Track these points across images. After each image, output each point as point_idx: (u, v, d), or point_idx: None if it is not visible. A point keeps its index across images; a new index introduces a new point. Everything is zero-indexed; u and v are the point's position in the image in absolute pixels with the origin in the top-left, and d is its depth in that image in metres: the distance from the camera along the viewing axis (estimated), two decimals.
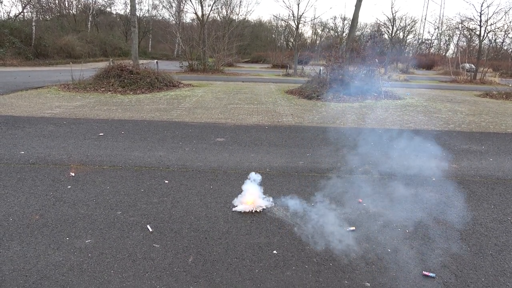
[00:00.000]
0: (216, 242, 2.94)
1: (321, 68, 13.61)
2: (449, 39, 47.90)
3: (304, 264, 2.67)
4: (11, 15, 30.93)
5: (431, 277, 2.55)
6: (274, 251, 2.83)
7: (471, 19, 28.56)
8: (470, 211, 3.68)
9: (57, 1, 40.28)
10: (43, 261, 2.61)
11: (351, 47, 14.49)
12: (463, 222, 3.41)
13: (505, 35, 35.99)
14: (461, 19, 34.54)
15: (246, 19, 40.25)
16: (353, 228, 3.21)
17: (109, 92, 11.59)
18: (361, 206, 3.68)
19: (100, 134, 6.33)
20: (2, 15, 30.77)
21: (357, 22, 14.68)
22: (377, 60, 13.50)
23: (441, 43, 50.58)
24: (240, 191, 3.82)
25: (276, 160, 5.15)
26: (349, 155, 5.51)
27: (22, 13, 31.34)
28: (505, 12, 34.12)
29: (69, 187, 3.96)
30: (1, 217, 3.23)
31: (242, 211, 3.47)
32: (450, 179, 4.61)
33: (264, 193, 3.84)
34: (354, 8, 15.14)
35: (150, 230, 3.10)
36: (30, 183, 4.02)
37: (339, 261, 2.72)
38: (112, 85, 12.16)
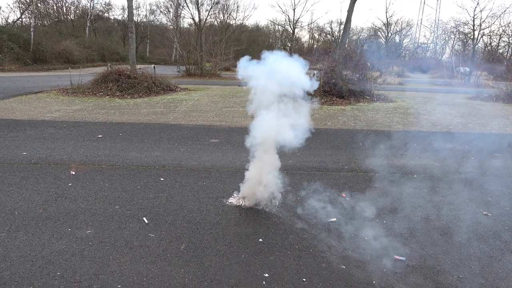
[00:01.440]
0: (207, 232, 3.19)
1: (315, 72, 13.91)
2: (444, 43, 48.39)
3: (286, 250, 2.93)
4: (10, 20, 31.28)
5: (401, 260, 2.81)
6: (260, 239, 3.08)
7: (465, 24, 29.04)
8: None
9: (55, 7, 40.64)
10: (47, 249, 2.85)
11: (344, 52, 14.80)
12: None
13: (500, 39, 36.56)
14: (455, 23, 35.05)
15: (244, 24, 40.67)
16: (334, 219, 3.46)
17: (107, 96, 11.85)
18: (343, 200, 3.95)
19: (99, 136, 6.57)
20: (1, 21, 31.12)
21: (350, 26, 14.99)
22: (369, 64, 13.81)
23: (437, 47, 51.10)
24: (234, 189, 4.07)
25: None
26: (336, 155, 5.78)
27: (20, 19, 31.67)
28: (498, 17, 34.65)
29: (70, 184, 4.20)
30: (8, 211, 3.47)
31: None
32: (432, 176, 4.89)
33: None
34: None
35: (146, 222, 3.34)
36: (33, 181, 4.26)
37: (319, 248, 2.97)
38: (110, 89, 12.42)
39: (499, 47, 38.38)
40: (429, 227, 3.39)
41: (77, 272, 2.56)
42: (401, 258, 2.83)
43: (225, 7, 32.88)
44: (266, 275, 2.60)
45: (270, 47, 47.64)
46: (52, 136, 6.45)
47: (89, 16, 41.01)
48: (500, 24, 47.31)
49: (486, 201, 4.07)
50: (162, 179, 4.47)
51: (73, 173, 4.59)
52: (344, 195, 4.08)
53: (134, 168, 4.87)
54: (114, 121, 7.96)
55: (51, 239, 2.99)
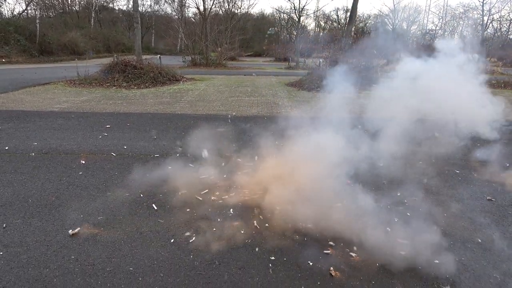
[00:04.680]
0: (215, 218, 3.27)
1: (321, 60, 13.85)
2: (453, 29, 47.52)
3: (293, 235, 3.00)
4: (15, 12, 31.39)
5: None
6: (266, 224, 3.16)
7: (473, 10, 28.52)
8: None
9: None
10: (61, 234, 2.96)
11: (350, 40, 14.69)
12: None
13: (510, 24, 35.82)
14: (464, 9, 34.40)
15: (249, 12, 40.35)
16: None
17: (114, 87, 11.94)
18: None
19: (107, 126, 6.67)
20: (7, 13, 31.22)
21: (356, 14, 14.85)
22: (375, 52, 13.68)
23: (446, 33, 50.20)
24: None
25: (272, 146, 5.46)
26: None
27: (26, 11, 31.77)
28: (508, 1, 33.89)
29: (81, 173, 4.31)
30: (22, 199, 3.59)
31: None
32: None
33: None
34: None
35: (155, 208, 3.44)
36: (44, 170, 4.38)
37: (323, 238, 3.04)
38: (116, 80, 12.50)
39: (509, 33, 37.66)
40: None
41: (91, 256, 2.67)
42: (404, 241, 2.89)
43: None
44: (273, 258, 2.68)
45: (276, 36, 47.28)
46: (62, 127, 6.56)
47: (93, 7, 40.95)
48: (510, 8, 46.29)
49: None
50: (170, 167, 4.55)
51: (83, 162, 4.69)
52: (348, 182, 4.14)
53: (142, 156, 4.96)
54: (122, 112, 8.05)
55: (64, 225, 3.10)
